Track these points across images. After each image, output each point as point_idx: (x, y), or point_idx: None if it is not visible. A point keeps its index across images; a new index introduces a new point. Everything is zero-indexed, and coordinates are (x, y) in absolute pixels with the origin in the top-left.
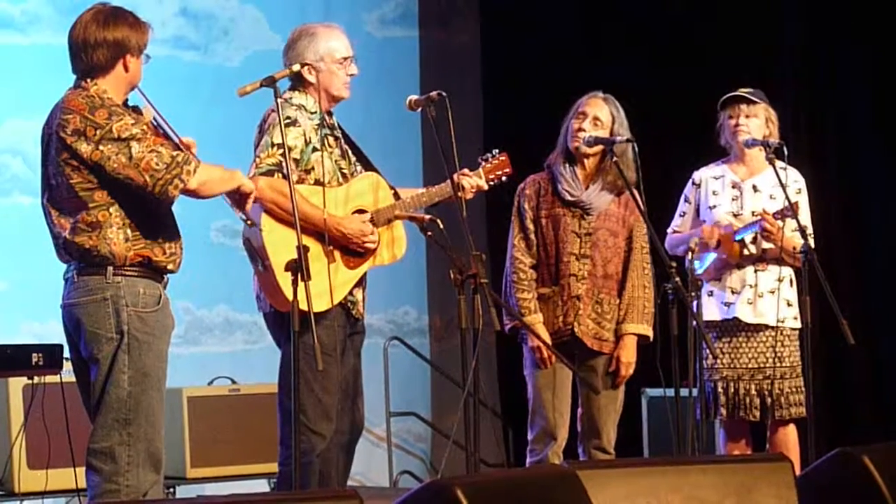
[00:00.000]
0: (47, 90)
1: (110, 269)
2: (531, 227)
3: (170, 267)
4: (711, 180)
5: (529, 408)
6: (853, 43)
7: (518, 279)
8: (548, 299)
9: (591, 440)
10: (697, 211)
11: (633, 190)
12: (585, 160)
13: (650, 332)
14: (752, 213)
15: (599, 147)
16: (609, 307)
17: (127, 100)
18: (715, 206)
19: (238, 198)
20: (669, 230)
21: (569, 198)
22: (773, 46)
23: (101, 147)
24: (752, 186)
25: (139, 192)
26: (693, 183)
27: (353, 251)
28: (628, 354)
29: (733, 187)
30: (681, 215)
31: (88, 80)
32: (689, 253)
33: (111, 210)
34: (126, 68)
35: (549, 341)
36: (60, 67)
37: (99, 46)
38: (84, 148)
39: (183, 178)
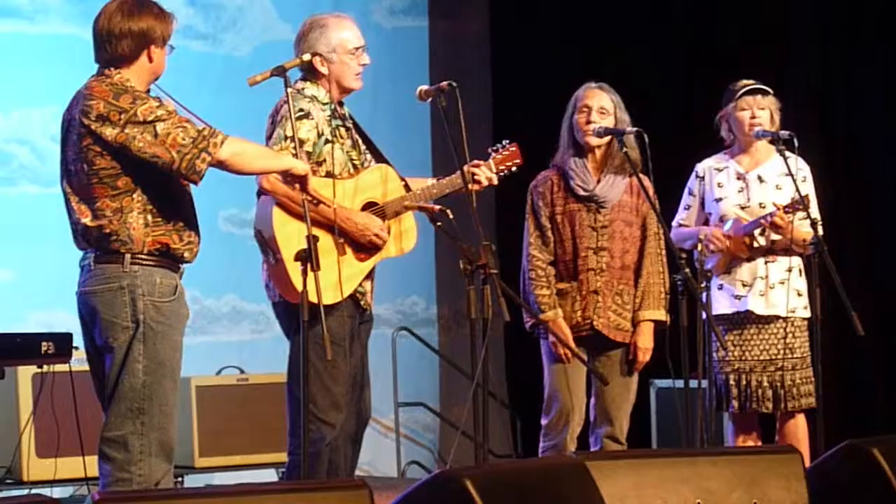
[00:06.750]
0: (55, 79)
1: (128, 257)
2: (547, 224)
3: (186, 255)
4: (715, 172)
5: (545, 394)
6: (864, 36)
7: (536, 276)
8: (566, 294)
9: (605, 429)
10: (702, 203)
11: (639, 175)
12: (595, 151)
13: (666, 317)
14: (760, 204)
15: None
16: (629, 297)
17: (149, 90)
18: (721, 199)
19: (297, 181)
20: (675, 223)
21: (582, 193)
22: (781, 40)
23: (126, 130)
24: (757, 177)
25: (166, 170)
26: (696, 175)
27: (363, 245)
28: (645, 340)
29: (738, 178)
30: (686, 208)
31: (112, 69)
32: (699, 244)
33: (134, 196)
34: (150, 59)
35: (569, 335)
36: (68, 56)
37: (124, 37)
38: (109, 132)
39: (210, 151)
